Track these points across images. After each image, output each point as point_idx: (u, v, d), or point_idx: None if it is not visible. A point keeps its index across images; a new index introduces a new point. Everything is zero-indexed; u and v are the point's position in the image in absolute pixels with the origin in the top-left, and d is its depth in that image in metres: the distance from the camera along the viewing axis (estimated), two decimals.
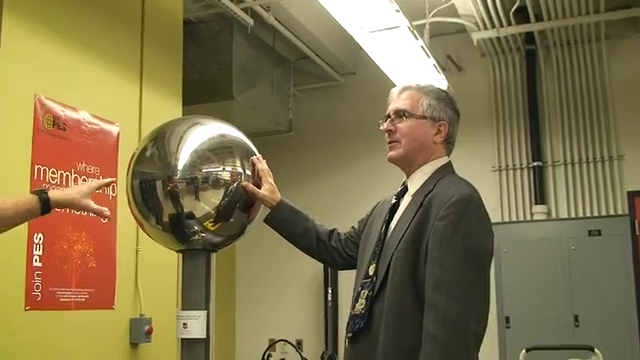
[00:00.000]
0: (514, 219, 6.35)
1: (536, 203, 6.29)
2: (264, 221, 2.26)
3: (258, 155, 2.21)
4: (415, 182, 2.07)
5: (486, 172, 6.47)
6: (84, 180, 3.39)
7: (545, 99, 6.46)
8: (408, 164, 2.10)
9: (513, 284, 5.94)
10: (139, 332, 3.67)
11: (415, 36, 4.34)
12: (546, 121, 6.44)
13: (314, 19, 5.69)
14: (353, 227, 2.35)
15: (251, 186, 2.12)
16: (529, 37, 6.36)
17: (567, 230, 6.01)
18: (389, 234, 2.03)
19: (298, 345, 6.46)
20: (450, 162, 2.12)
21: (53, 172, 3.23)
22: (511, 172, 6.47)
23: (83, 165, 3.42)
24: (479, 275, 1.86)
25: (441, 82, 5.23)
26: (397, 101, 2.12)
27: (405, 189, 2.10)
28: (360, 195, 6.08)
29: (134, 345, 3.69)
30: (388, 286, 1.92)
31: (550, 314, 5.80)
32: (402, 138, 2.08)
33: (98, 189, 2.21)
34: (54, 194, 2.07)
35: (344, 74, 6.94)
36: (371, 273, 1.99)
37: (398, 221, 2.03)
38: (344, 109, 7.03)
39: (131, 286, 3.73)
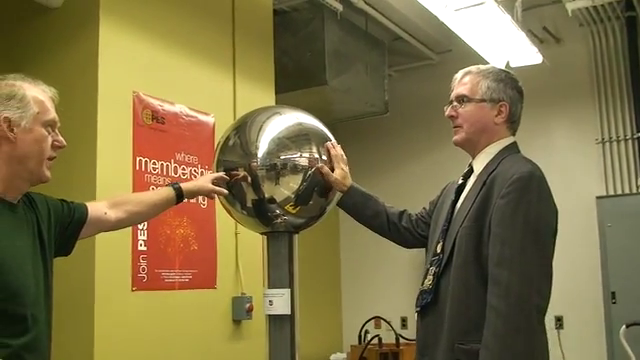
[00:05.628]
0: (619, 192, 6.15)
1: None
2: (337, 204, 2.38)
3: (333, 141, 2.32)
4: (480, 162, 2.14)
5: (589, 144, 6.29)
6: (183, 169, 3.64)
7: None
8: (472, 147, 2.18)
9: (618, 259, 5.78)
10: (241, 310, 3.90)
11: (502, 10, 4.30)
12: None
13: None
14: (424, 208, 2.44)
15: (325, 168, 2.23)
16: (628, 3, 6.12)
17: None
18: (455, 213, 2.11)
19: (402, 322, 6.60)
20: (515, 142, 2.17)
21: (154, 163, 3.48)
22: (615, 144, 6.26)
23: (182, 155, 3.66)
24: (540, 250, 1.93)
25: (535, 55, 5.16)
26: (459, 86, 2.20)
27: (471, 170, 2.17)
28: (458, 173, 6.08)
29: (236, 322, 3.93)
30: (453, 262, 2.01)
31: None
32: (464, 123, 2.16)
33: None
34: (184, 185, 2.35)
35: (440, 52, 6.88)
36: (438, 250, 2.09)
37: (464, 200, 2.10)
38: (441, 87, 6.90)
39: (232, 267, 3.96)
